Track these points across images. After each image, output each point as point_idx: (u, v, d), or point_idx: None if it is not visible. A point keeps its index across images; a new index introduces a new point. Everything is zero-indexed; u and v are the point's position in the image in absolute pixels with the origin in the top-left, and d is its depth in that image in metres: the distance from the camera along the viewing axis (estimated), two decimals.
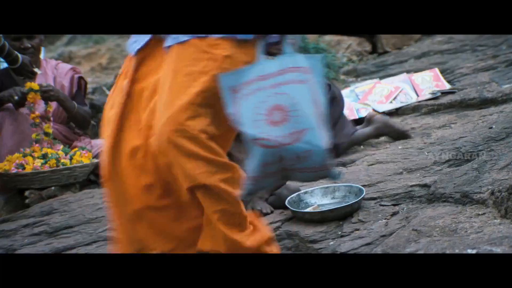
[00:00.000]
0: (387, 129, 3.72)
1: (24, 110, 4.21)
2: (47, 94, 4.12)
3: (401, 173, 3.00)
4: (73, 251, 2.86)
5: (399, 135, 3.71)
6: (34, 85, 4.08)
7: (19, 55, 3.87)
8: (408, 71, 5.08)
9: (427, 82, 4.62)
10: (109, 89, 6.61)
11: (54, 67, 4.48)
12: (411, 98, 4.49)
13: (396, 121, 4.00)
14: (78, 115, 4.35)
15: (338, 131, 3.59)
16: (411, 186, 2.75)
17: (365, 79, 5.51)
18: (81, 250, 2.85)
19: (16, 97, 4.05)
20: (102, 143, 2.28)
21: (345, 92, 4.80)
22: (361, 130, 3.74)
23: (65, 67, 4.53)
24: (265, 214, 2.74)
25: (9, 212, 4.14)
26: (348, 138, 3.66)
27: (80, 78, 4.51)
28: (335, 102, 3.63)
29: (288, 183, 2.87)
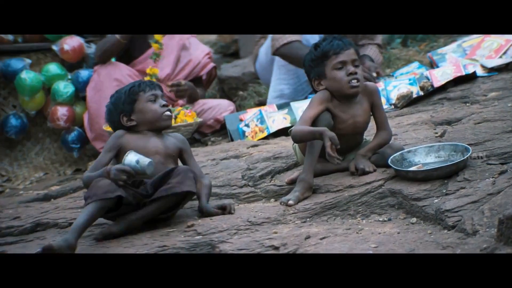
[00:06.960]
0: None
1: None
2: (179, 93, 4.41)
3: (510, 131, 2.90)
4: None
5: None
6: (155, 70, 4.32)
7: None
8: None
9: None
10: None
11: (186, 38, 4.65)
12: None
13: None
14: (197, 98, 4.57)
15: None
16: None
17: None
18: None
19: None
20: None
21: (451, 47, 4.64)
22: None
23: (199, 45, 4.73)
24: (368, 172, 2.73)
25: None
26: None
27: (214, 67, 4.72)
28: None
29: (392, 141, 2.85)
